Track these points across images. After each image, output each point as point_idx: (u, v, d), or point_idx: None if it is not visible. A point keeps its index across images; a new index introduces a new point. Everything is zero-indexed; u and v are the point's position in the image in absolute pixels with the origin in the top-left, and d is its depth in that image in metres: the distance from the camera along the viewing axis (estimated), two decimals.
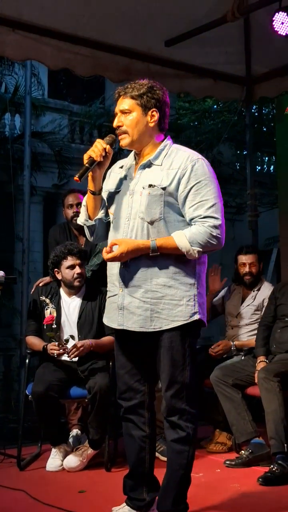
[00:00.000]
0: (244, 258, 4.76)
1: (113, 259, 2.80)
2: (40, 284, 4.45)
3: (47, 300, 4.26)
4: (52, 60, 4.93)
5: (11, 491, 3.59)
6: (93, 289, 4.28)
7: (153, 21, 5.13)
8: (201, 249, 2.74)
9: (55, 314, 4.21)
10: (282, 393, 3.95)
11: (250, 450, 4.11)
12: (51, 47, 4.87)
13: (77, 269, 4.19)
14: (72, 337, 4.14)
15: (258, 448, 4.12)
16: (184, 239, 2.73)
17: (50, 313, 4.21)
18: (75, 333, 4.19)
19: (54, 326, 4.18)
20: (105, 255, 2.80)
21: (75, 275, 4.19)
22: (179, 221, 2.81)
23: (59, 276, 4.26)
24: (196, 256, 2.76)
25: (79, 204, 4.58)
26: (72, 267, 4.19)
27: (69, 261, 4.19)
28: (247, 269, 4.73)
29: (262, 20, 5.31)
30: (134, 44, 5.24)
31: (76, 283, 4.21)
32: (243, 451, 4.14)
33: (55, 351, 4.02)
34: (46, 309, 4.24)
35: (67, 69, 5.08)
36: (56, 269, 4.26)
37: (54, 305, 4.24)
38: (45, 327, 4.20)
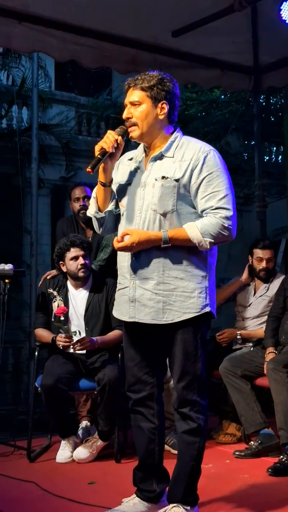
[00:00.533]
0: (261, 253, 4.68)
1: (123, 249, 2.79)
2: (48, 277, 4.46)
3: (55, 293, 4.27)
4: (58, 52, 4.93)
5: (21, 483, 3.61)
6: (100, 282, 4.28)
7: (159, 11, 5.10)
8: (213, 240, 2.74)
9: (65, 307, 4.21)
10: None
11: (259, 441, 4.11)
12: (58, 39, 4.86)
13: (81, 260, 4.19)
14: (79, 332, 4.15)
15: (268, 438, 4.12)
16: (196, 230, 2.73)
17: (58, 305, 4.22)
18: (82, 325, 4.20)
19: (62, 318, 4.19)
20: (116, 244, 2.78)
21: (79, 266, 4.19)
22: (191, 213, 2.81)
23: (64, 269, 4.27)
24: (208, 247, 2.75)
25: (85, 198, 4.58)
26: (75, 258, 4.20)
27: (72, 252, 4.20)
28: (264, 264, 4.67)
29: (270, 9, 5.28)
30: (140, 35, 5.22)
31: (80, 274, 4.21)
32: (252, 442, 4.14)
33: (61, 343, 4.03)
34: (54, 301, 4.25)
35: (73, 61, 5.07)
36: (61, 262, 4.27)
37: (62, 297, 4.24)
38: (53, 318, 4.21)
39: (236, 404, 4.27)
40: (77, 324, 4.22)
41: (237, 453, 4.10)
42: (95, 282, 4.29)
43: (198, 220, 2.76)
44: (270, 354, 4.25)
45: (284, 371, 3.96)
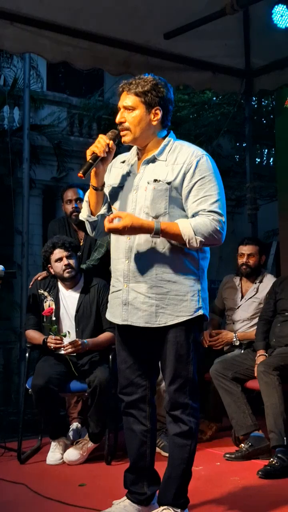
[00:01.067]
0: (243, 249, 4.76)
1: (114, 231, 2.76)
2: (39, 278, 4.45)
3: (46, 293, 4.27)
4: (51, 53, 4.91)
5: (11, 485, 3.61)
6: (91, 283, 4.29)
7: (152, 13, 5.10)
8: (203, 240, 2.73)
9: (54, 307, 4.22)
10: (282, 386, 3.96)
11: (249, 443, 4.12)
12: (50, 40, 4.85)
13: (65, 261, 4.19)
14: (69, 333, 4.14)
15: (258, 441, 4.13)
16: (188, 227, 2.73)
17: (49, 306, 4.22)
18: (73, 326, 4.20)
19: (54, 318, 4.19)
20: (107, 224, 2.75)
21: (63, 267, 4.20)
22: (183, 216, 2.81)
23: (52, 271, 4.28)
24: (197, 246, 2.75)
25: (77, 200, 4.58)
26: (59, 259, 4.20)
27: (56, 254, 4.21)
28: (244, 259, 4.72)
29: (262, 12, 5.30)
30: (133, 37, 5.21)
31: (66, 274, 4.21)
32: (242, 445, 4.15)
33: (52, 344, 4.03)
34: (45, 302, 4.25)
35: (65, 62, 5.06)
36: (49, 265, 4.27)
37: (53, 298, 4.25)
38: (44, 319, 4.20)
39: (227, 407, 4.27)
40: (68, 325, 4.22)
41: (227, 455, 4.11)
42: (86, 283, 4.29)
43: (192, 218, 2.77)
44: (261, 356, 4.27)
45: (275, 374, 3.97)
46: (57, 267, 4.22)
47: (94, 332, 4.18)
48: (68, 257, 4.20)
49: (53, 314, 4.18)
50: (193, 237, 2.73)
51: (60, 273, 4.22)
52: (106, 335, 4.14)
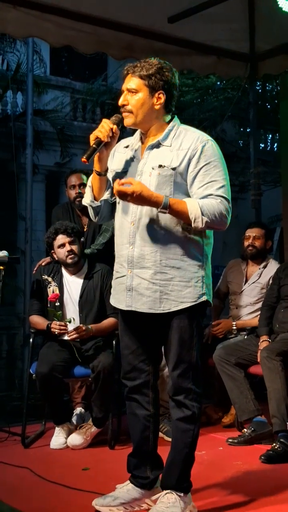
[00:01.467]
0: (249, 231, 4.79)
1: (122, 194, 2.71)
2: (43, 264, 4.45)
3: (50, 279, 4.27)
4: (54, 37, 4.89)
5: (15, 469, 3.63)
6: (94, 268, 4.29)
7: None
8: (209, 220, 2.71)
9: (58, 292, 4.22)
10: (284, 372, 3.97)
11: (252, 428, 4.14)
12: (53, 24, 4.83)
13: (67, 247, 4.19)
14: (73, 319, 4.15)
15: (260, 426, 4.15)
16: (196, 205, 2.71)
17: (53, 291, 4.22)
18: (77, 311, 4.21)
19: (57, 304, 4.20)
20: (117, 186, 2.71)
21: (66, 253, 4.19)
22: None
23: (55, 257, 4.28)
24: (202, 226, 2.72)
25: (81, 185, 4.56)
26: (62, 245, 4.20)
27: (59, 240, 4.21)
28: (250, 241, 4.75)
29: None
30: (137, 21, 5.18)
31: (68, 261, 4.21)
32: (245, 429, 4.17)
33: (56, 330, 4.04)
34: (49, 287, 4.25)
35: (69, 46, 5.04)
36: (52, 251, 4.27)
37: (57, 284, 4.25)
38: (49, 304, 4.21)
39: (230, 392, 4.29)
40: (72, 311, 4.22)
41: (230, 440, 4.13)
42: (90, 269, 4.29)
43: (199, 199, 2.75)
44: (264, 342, 4.27)
45: (278, 359, 3.98)
46: (60, 253, 4.22)
47: (98, 317, 4.19)
48: (70, 243, 4.19)
49: (57, 300, 4.18)
50: (199, 216, 2.71)
51: (63, 259, 4.22)
52: (109, 321, 4.15)
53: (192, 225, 2.74)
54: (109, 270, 4.23)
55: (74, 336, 4.02)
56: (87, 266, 4.31)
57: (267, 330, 4.36)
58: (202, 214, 2.70)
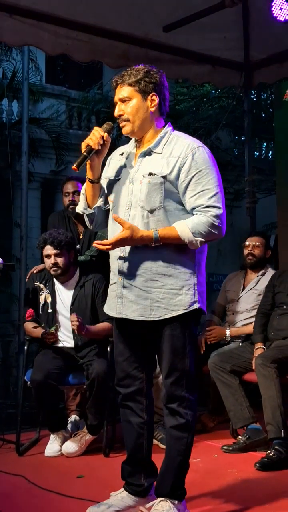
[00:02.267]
0: (248, 240, 4.82)
1: (115, 243, 2.75)
2: (35, 271, 4.46)
3: (42, 286, 4.28)
4: (49, 46, 4.91)
5: (10, 476, 3.62)
6: (86, 276, 4.29)
7: (151, 6, 5.10)
8: (203, 240, 2.74)
9: (49, 299, 4.24)
10: (279, 379, 3.97)
11: (247, 436, 4.14)
12: (49, 33, 4.85)
13: (52, 259, 4.19)
14: (57, 327, 4.17)
15: (255, 433, 4.15)
16: (186, 229, 2.73)
17: (45, 298, 4.24)
18: (68, 318, 4.21)
19: (50, 310, 4.21)
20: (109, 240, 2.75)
21: (50, 265, 4.21)
22: (179, 209, 2.81)
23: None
24: (199, 246, 2.76)
25: (75, 193, 4.57)
26: (48, 256, 4.21)
27: (46, 250, 4.22)
28: (249, 249, 4.77)
29: (261, 5, 5.29)
30: (132, 30, 5.21)
31: (52, 272, 4.23)
32: (240, 437, 4.17)
33: (47, 340, 4.07)
34: (41, 294, 4.27)
35: (65, 55, 5.06)
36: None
37: (49, 290, 4.26)
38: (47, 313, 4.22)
39: (225, 399, 4.29)
40: (66, 316, 4.23)
41: (225, 447, 4.13)
42: (82, 276, 4.29)
43: (189, 219, 2.76)
44: (259, 349, 4.28)
45: (273, 367, 3.98)
46: (46, 262, 4.25)
47: (90, 324, 4.18)
48: (56, 255, 4.19)
49: (48, 308, 4.19)
50: (192, 239, 2.73)
51: (48, 269, 4.24)
52: (104, 325, 4.14)
53: (189, 247, 2.76)
54: (101, 278, 4.24)
55: (75, 323, 3.99)
56: (78, 274, 4.31)
57: (262, 337, 4.37)
58: (194, 236, 2.72)
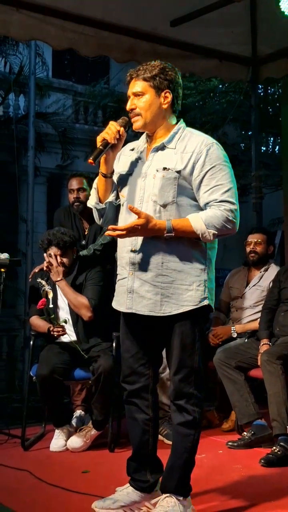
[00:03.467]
0: (250, 237, 4.81)
1: (130, 231, 2.72)
2: (36, 270, 4.47)
3: (43, 282, 4.29)
4: (56, 40, 4.90)
5: (15, 471, 3.63)
6: (83, 269, 4.29)
7: (158, 0, 5.08)
8: (216, 232, 2.72)
9: (51, 295, 4.25)
10: (285, 375, 3.97)
11: (252, 432, 4.14)
12: (56, 27, 4.84)
13: (57, 260, 4.21)
14: (68, 319, 4.16)
15: (260, 429, 4.14)
16: (200, 221, 2.71)
17: (47, 294, 4.25)
18: (69, 312, 4.23)
19: (51, 306, 4.21)
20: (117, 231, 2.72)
21: (57, 264, 4.22)
22: (191, 205, 2.80)
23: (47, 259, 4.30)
24: (212, 239, 2.74)
25: (80, 189, 4.56)
26: (52, 256, 4.23)
27: (50, 250, 4.23)
28: (252, 246, 4.77)
29: (268, 0, 5.26)
30: (139, 24, 5.19)
31: (57, 272, 4.24)
32: (245, 433, 4.17)
33: (56, 334, 4.07)
34: (43, 290, 4.27)
35: (71, 49, 5.05)
36: (45, 254, 4.29)
37: (50, 286, 4.27)
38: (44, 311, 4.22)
39: (230, 395, 4.29)
40: (65, 311, 4.26)
41: (230, 443, 4.13)
42: (79, 271, 4.30)
43: (202, 212, 2.75)
44: (264, 345, 4.27)
45: (278, 363, 3.97)
46: (54, 262, 4.25)
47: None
48: (62, 255, 4.21)
49: (47, 305, 4.20)
50: (205, 231, 2.71)
51: (50, 268, 4.27)
52: (82, 297, 4.15)
53: (202, 240, 2.74)
54: (98, 271, 4.24)
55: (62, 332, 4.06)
56: (77, 269, 4.31)
57: (268, 333, 4.36)
58: (208, 228, 2.71)
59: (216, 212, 2.73)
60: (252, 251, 4.76)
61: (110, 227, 2.77)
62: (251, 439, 4.11)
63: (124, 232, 2.72)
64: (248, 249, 4.79)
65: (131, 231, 2.72)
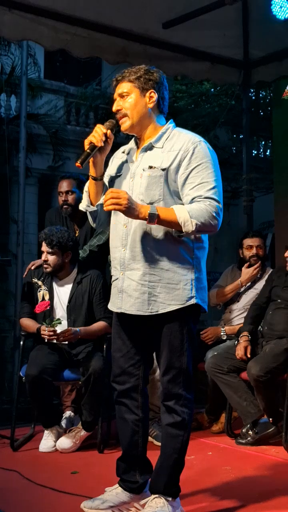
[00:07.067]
0: (250, 241, 4.80)
1: (113, 202, 2.69)
2: (32, 267, 4.45)
3: (39, 283, 4.28)
4: (48, 41, 4.91)
5: (4, 472, 3.62)
6: (84, 273, 4.28)
7: (150, 2, 5.11)
8: (198, 223, 2.69)
9: (47, 297, 4.23)
10: (274, 387, 4.06)
11: (256, 431, 4.16)
12: (48, 28, 4.85)
13: (43, 256, 4.21)
14: (60, 321, 4.15)
15: (263, 427, 4.16)
16: (184, 211, 2.70)
17: (43, 296, 4.23)
18: (65, 316, 4.21)
19: (48, 308, 4.20)
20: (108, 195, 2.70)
21: (42, 261, 4.24)
22: (178, 203, 2.79)
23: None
24: (193, 229, 2.70)
25: (69, 192, 4.54)
26: (42, 252, 4.23)
27: (42, 246, 4.22)
28: (254, 251, 4.77)
29: (261, 3, 5.30)
30: (131, 26, 5.21)
31: (43, 268, 4.25)
32: (250, 432, 4.18)
33: (46, 336, 4.04)
34: (39, 291, 4.26)
35: (63, 50, 5.05)
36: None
37: (47, 287, 4.25)
38: (41, 313, 4.21)
39: (229, 399, 4.31)
40: (61, 315, 4.23)
41: (239, 440, 4.18)
42: (80, 273, 4.29)
43: (187, 204, 2.75)
44: (244, 337, 4.29)
45: (267, 377, 3.99)
46: (41, 257, 4.25)
47: (87, 322, 4.18)
48: (49, 253, 4.20)
49: (51, 309, 4.20)
50: (188, 220, 2.69)
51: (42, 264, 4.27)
52: (99, 324, 4.15)
53: (183, 230, 2.72)
54: (99, 274, 4.24)
55: (62, 339, 4.02)
56: (76, 270, 4.30)
57: (250, 328, 4.38)
58: (191, 217, 2.70)
59: (201, 206, 2.72)
60: (255, 255, 4.76)
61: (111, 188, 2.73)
62: (255, 438, 4.13)
63: (116, 195, 2.68)
64: (249, 253, 4.76)
65: (119, 198, 2.67)
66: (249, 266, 4.81)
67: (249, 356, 4.20)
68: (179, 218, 2.69)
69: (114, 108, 2.88)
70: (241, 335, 4.34)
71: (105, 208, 2.74)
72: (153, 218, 2.69)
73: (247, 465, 3.73)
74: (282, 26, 5.25)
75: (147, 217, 2.69)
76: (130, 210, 2.69)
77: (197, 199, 2.74)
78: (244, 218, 6.21)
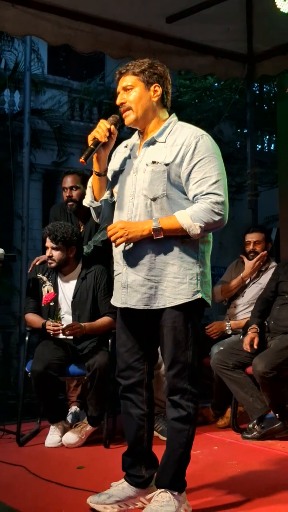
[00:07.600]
0: (249, 237, 4.81)
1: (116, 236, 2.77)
2: (37, 263, 4.45)
3: (44, 278, 4.28)
4: (52, 36, 4.90)
5: (10, 467, 3.62)
6: (88, 268, 4.28)
7: None
8: (203, 225, 2.72)
9: (52, 292, 4.23)
10: (280, 384, 4.05)
11: (262, 426, 4.16)
12: (51, 23, 4.84)
13: (48, 252, 4.22)
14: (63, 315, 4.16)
15: (269, 422, 4.16)
16: (186, 216, 2.71)
17: (48, 291, 4.24)
18: (70, 311, 4.21)
19: (52, 303, 4.20)
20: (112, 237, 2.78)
21: (47, 257, 4.24)
22: (182, 198, 2.79)
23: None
24: (198, 232, 2.72)
25: (73, 188, 4.53)
26: (46, 248, 4.23)
27: (47, 242, 4.23)
28: (251, 247, 4.77)
29: None
30: (134, 21, 5.19)
31: (48, 264, 4.25)
32: (256, 427, 4.18)
33: (51, 331, 4.05)
34: (44, 287, 4.26)
35: (67, 45, 5.04)
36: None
37: (51, 283, 4.26)
38: (46, 305, 4.21)
39: (235, 395, 4.31)
40: (66, 310, 4.24)
41: (245, 434, 4.18)
42: (84, 269, 4.29)
43: (189, 207, 2.76)
44: (253, 329, 4.28)
45: (273, 373, 3.99)
46: (46, 253, 4.26)
47: (91, 317, 4.19)
48: (53, 249, 4.20)
49: (53, 299, 4.19)
50: (191, 225, 2.71)
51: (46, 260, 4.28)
52: (104, 320, 4.15)
53: (190, 235, 2.74)
54: (103, 270, 4.24)
55: (68, 333, 4.02)
56: (81, 266, 4.30)
57: (258, 321, 4.38)
58: (194, 221, 2.70)
59: (201, 206, 2.72)
60: (252, 251, 4.76)
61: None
62: (261, 433, 4.14)
63: (113, 231, 2.76)
64: (247, 249, 4.78)
65: (117, 231, 2.75)
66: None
67: (255, 347, 4.20)
68: (183, 225, 2.71)
69: (118, 101, 2.87)
70: (250, 327, 4.33)
71: (115, 245, 2.84)
72: (158, 232, 2.73)
73: (253, 460, 3.73)
74: (286, 20, 5.22)
75: (152, 232, 2.72)
76: (132, 234, 2.75)
77: (199, 196, 2.74)
78: (249, 213, 6.19)
